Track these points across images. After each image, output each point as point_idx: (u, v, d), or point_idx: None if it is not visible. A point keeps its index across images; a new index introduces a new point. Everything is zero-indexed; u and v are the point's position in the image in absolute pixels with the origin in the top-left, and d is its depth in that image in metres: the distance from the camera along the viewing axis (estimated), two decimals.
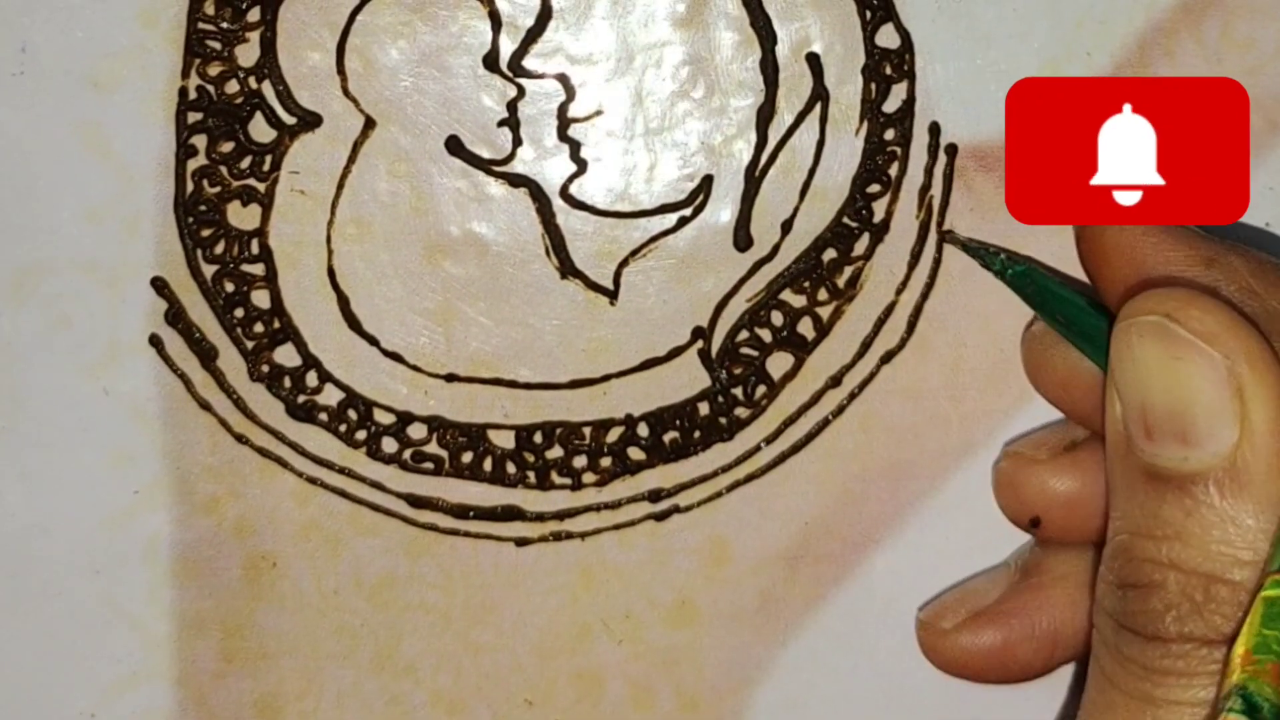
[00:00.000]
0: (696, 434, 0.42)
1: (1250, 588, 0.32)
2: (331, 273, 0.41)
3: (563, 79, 0.41)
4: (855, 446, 0.42)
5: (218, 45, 0.40)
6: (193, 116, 0.40)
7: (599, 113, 0.41)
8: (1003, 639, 0.40)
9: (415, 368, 0.41)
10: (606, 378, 0.42)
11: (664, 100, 0.41)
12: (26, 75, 0.40)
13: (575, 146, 0.41)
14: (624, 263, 0.41)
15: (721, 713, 0.42)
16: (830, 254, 0.42)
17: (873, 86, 0.41)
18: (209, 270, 0.41)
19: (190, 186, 0.41)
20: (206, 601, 0.41)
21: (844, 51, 0.41)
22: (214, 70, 0.40)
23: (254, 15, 0.40)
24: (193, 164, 0.41)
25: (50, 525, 0.41)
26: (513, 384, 0.41)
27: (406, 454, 0.42)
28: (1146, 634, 0.33)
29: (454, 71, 0.41)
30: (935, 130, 0.41)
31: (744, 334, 0.42)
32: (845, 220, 0.41)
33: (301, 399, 0.41)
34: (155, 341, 0.41)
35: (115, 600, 0.41)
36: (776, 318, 0.42)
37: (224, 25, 0.40)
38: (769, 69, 0.41)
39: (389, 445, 0.42)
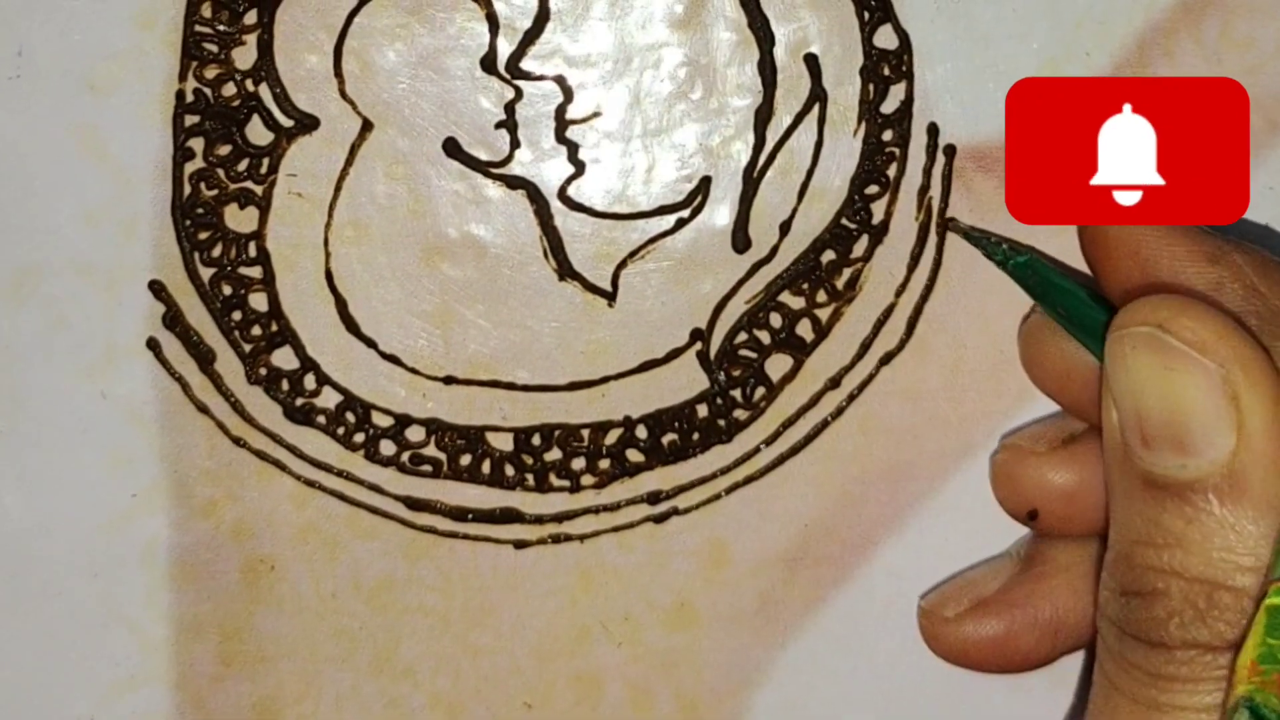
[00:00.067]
0: (695, 436, 0.42)
1: (1253, 594, 0.32)
2: (329, 275, 0.41)
3: (560, 81, 0.41)
4: (854, 448, 0.42)
5: (215, 48, 0.40)
6: (190, 119, 0.40)
7: (597, 114, 0.41)
8: (1005, 628, 0.40)
9: (413, 370, 0.41)
10: (605, 380, 0.42)
11: (662, 102, 0.41)
12: (23, 78, 0.40)
13: (573, 148, 0.41)
14: (622, 264, 0.41)
15: (721, 715, 0.42)
16: (829, 255, 0.41)
17: (871, 87, 0.41)
18: (206, 273, 0.41)
19: (188, 189, 0.41)
20: (205, 605, 0.41)
21: (842, 52, 0.41)
22: (211, 73, 0.40)
23: (251, 18, 0.40)
24: (190, 167, 0.40)
25: (48, 528, 0.41)
26: (511, 386, 0.41)
27: (405, 456, 0.42)
28: (1150, 641, 0.33)
29: (451, 73, 0.41)
30: (934, 131, 0.41)
31: (743, 336, 0.42)
32: (844, 222, 0.41)
33: (299, 402, 0.41)
34: (153, 344, 0.41)
35: (113, 603, 0.41)
36: (775, 319, 0.42)
37: (221, 28, 0.40)
38: (767, 70, 0.41)
39: (387, 448, 0.41)
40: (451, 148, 0.41)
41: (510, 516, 0.42)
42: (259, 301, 0.41)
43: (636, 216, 0.41)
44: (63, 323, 0.41)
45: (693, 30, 0.41)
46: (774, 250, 0.41)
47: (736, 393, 0.42)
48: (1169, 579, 0.33)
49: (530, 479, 0.42)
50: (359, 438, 0.41)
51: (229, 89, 0.40)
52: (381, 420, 0.41)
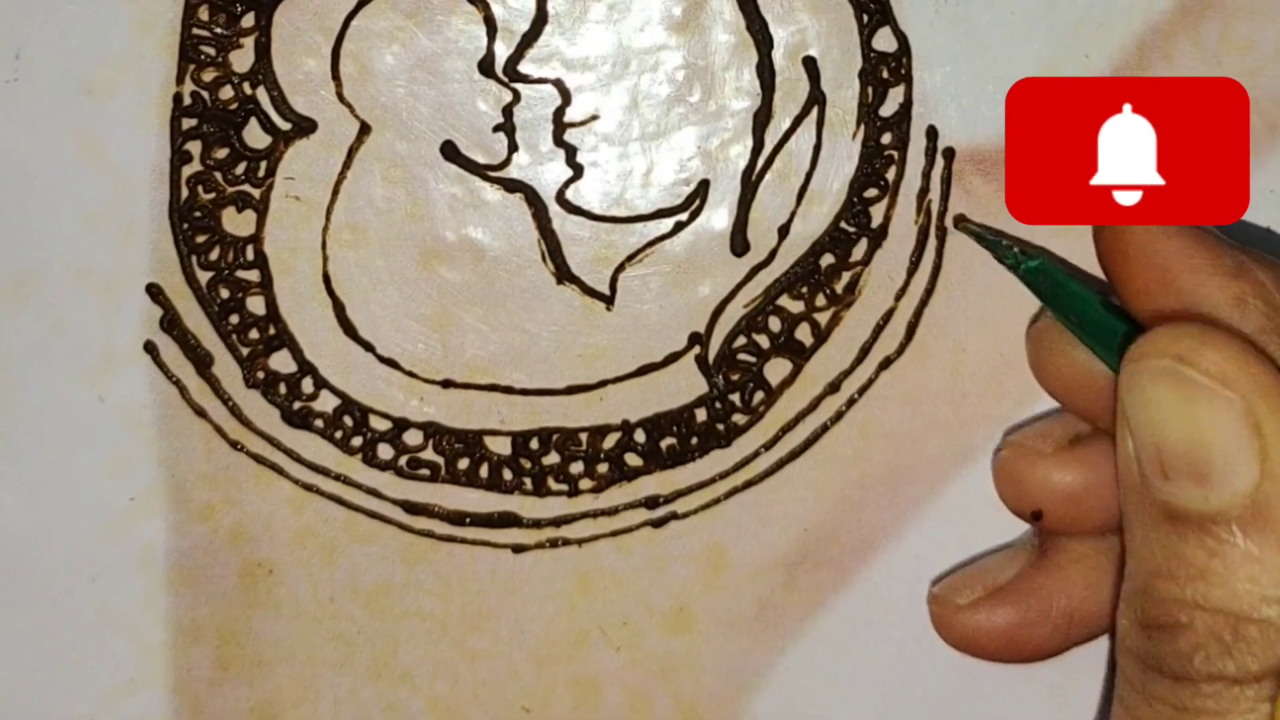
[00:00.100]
0: (694, 440, 0.42)
1: None
2: (327, 279, 0.41)
3: (558, 84, 0.41)
4: (854, 453, 0.42)
5: (212, 51, 0.40)
6: (187, 123, 0.40)
7: (595, 117, 0.41)
8: (1018, 618, 0.39)
9: (411, 374, 0.41)
10: (603, 383, 0.41)
11: (660, 105, 0.41)
12: (21, 82, 0.40)
13: (571, 151, 0.41)
14: (620, 268, 0.41)
15: None
16: (828, 259, 0.41)
17: (870, 90, 0.41)
18: (204, 276, 0.41)
19: (185, 193, 0.41)
20: (202, 609, 0.41)
21: (841, 55, 0.41)
22: (209, 76, 0.40)
23: (248, 21, 0.40)
24: (187, 170, 0.40)
25: (46, 532, 0.41)
26: (509, 390, 0.41)
27: (402, 460, 0.41)
28: (1175, 675, 0.32)
29: (449, 77, 0.41)
30: (933, 134, 0.41)
31: (741, 340, 0.41)
32: (843, 225, 0.41)
33: (297, 405, 0.41)
34: (150, 348, 0.41)
35: (111, 608, 0.41)
36: (774, 323, 0.41)
37: (218, 31, 0.40)
38: (765, 73, 0.41)
39: (385, 452, 0.41)
40: (449, 151, 0.41)
41: (508, 520, 0.42)
42: (256, 305, 0.41)
43: (635, 220, 0.41)
44: (60, 326, 0.41)
45: (691, 33, 0.41)
46: (773, 254, 0.41)
47: (735, 397, 0.42)
48: (1192, 612, 0.32)
49: (528, 483, 0.41)
50: (357, 441, 0.41)
51: (226, 92, 0.40)
52: (379, 424, 0.41)
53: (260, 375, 0.41)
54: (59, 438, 0.41)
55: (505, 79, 0.41)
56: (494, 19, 0.41)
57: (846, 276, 0.41)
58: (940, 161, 0.41)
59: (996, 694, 0.42)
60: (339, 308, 0.41)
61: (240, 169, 0.41)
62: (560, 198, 0.41)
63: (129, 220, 0.40)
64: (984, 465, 0.41)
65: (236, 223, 0.41)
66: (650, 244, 0.41)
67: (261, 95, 0.40)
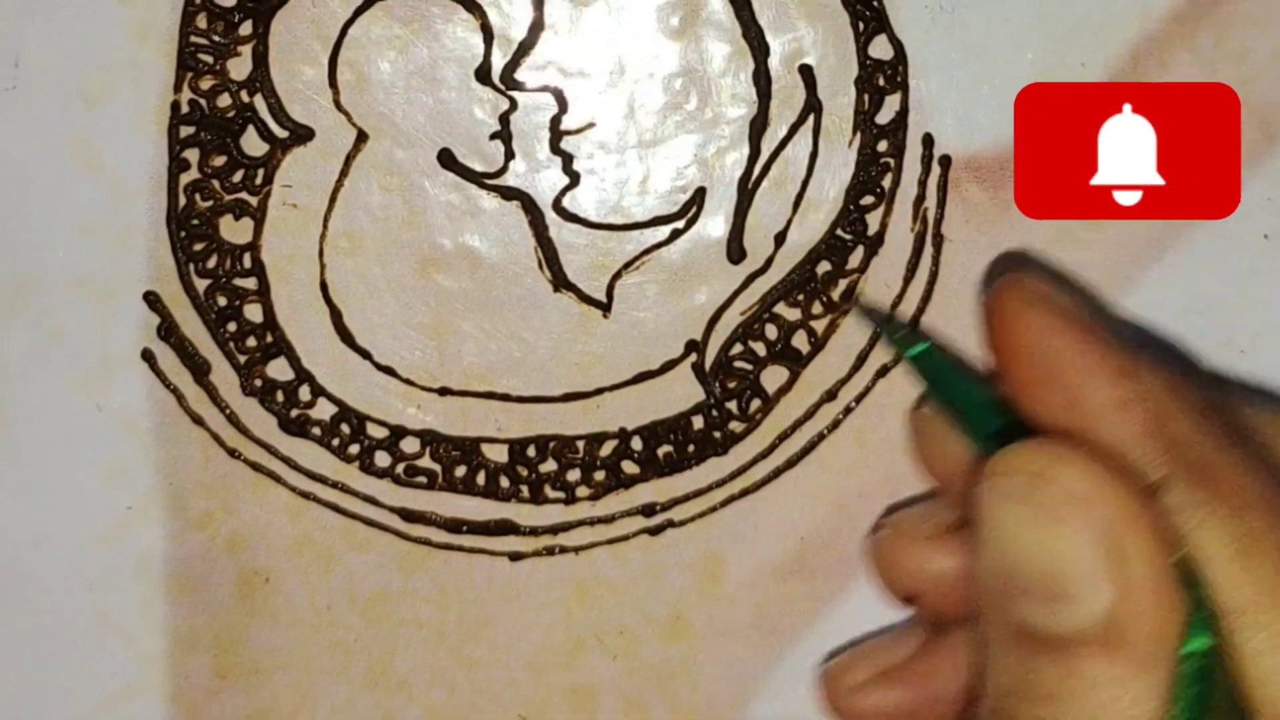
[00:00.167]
0: (691, 448, 0.42)
1: None
2: (324, 286, 0.41)
3: (555, 91, 0.41)
4: (851, 461, 0.42)
5: (210, 59, 0.40)
6: (185, 130, 0.40)
7: (591, 125, 0.41)
8: (910, 700, 0.38)
9: (408, 381, 0.41)
10: (600, 391, 0.41)
11: (657, 112, 0.41)
12: (18, 89, 0.40)
13: (568, 159, 0.41)
14: (617, 275, 0.41)
15: None
16: (824, 267, 0.41)
17: (866, 98, 0.41)
18: (201, 284, 0.41)
19: (182, 200, 0.41)
20: (200, 617, 0.41)
21: (837, 63, 0.41)
22: (206, 84, 0.40)
23: (246, 29, 0.40)
24: (185, 178, 0.40)
25: (43, 541, 0.41)
26: (506, 397, 0.41)
27: (400, 468, 0.41)
28: None
29: (446, 84, 0.41)
30: (929, 141, 0.41)
31: (738, 347, 0.41)
32: (839, 233, 0.41)
33: (294, 413, 0.41)
34: (148, 356, 0.41)
35: (108, 616, 0.41)
36: (771, 331, 0.41)
37: (216, 39, 0.40)
38: (762, 81, 0.41)
39: (382, 459, 0.41)
40: (446, 159, 0.41)
41: (505, 528, 0.41)
42: (254, 313, 0.41)
43: (631, 227, 0.41)
44: (57, 334, 0.41)
45: (687, 41, 0.41)
46: (769, 261, 0.41)
47: (732, 405, 0.42)
48: None
49: (525, 491, 0.41)
50: (354, 449, 0.41)
51: (224, 100, 0.40)
52: (376, 432, 0.41)
53: (257, 383, 0.41)
54: (56, 445, 0.41)
55: (502, 87, 0.41)
56: (491, 27, 0.41)
57: (843, 284, 0.41)
58: (936, 169, 0.41)
59: None
60: (336, 315, 0.41)
61: (238, 177, 0.41)
62: (557, 205, 0.41)
63: (126, 228, 0.40)
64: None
65: (234, 230, 0.41)
66: (647, 251, 0.41)
67: (259, 103, 0.41)
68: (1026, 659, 0.31)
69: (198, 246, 0.41)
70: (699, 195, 0.41)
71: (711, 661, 0.42)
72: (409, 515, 0.41)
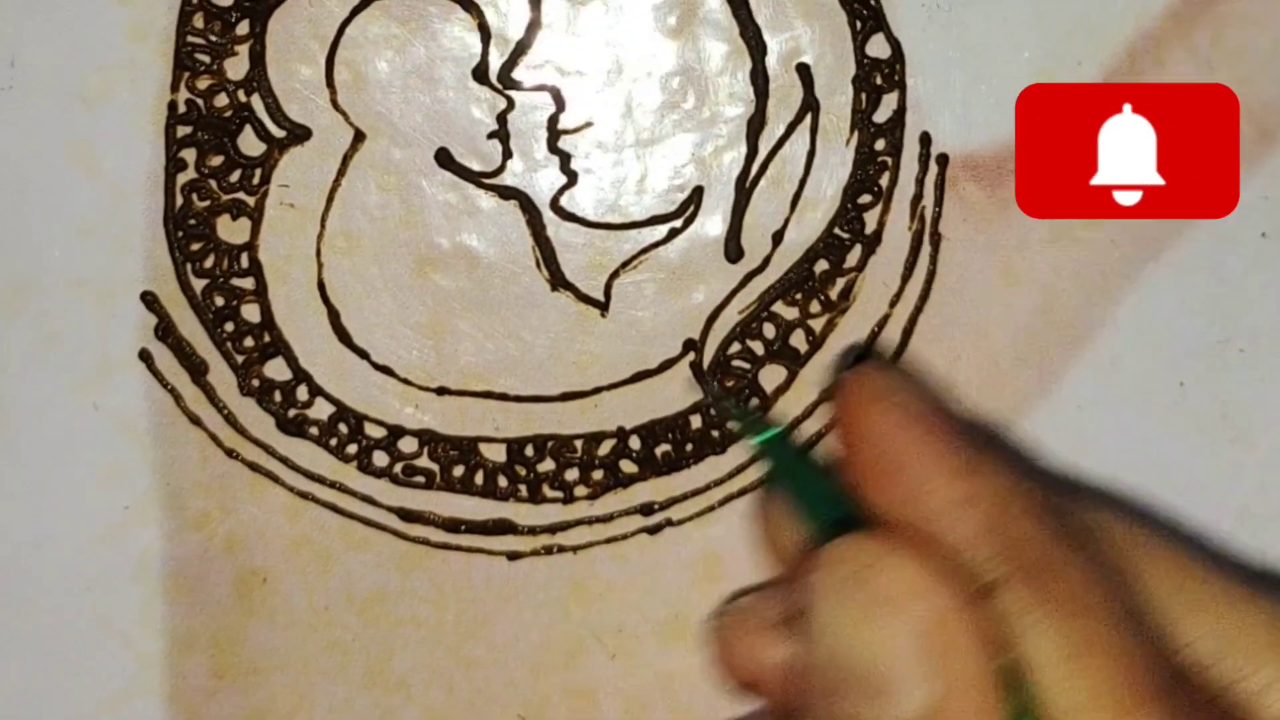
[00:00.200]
0: (689, 447, 0.42)
1: None
2: (321, 286, 0.41)
3: (552, 91, 0.41)
4: None
5: (207, 59, 0.40)
6: (182, 130, 0.40)
7: (589, 124, 0.41)
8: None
9: (406, 381, 0.41)
10: (598, 390, 0.41)
11: (654, 111, 0.41)
12: (15, 89, 0.40)
13: (565, 158, 0.41)
14: (615, 274, 0.41)
15: None
16: (822, 265, 0.41)
17: (863, 96, 0.41)
18: (199, 284, 0.41)
19: (180, 201, 0.41)
20: (197, 617, 0.41)
21: (834, 62, 0.41)
22: (203, 84, 0.40)
23: (243, 28, 0.40)
24: (182, 178, 0.40)
25: (41, 541, 0.41)
26: (504, 397, 0.41)
27: (398, 468, 0.41)
28: None
29: (443, 84, 0.41)
30: (926, 140, 0.41)
31: (736, 346, 0.41)
32: (837, 231, 0.41)
33: (292, 413, 0.41)
34: (145, 356, 0.41)
35: (106, 616, 0.41)
36: (769, 330, 0.41)
37: (213, 38, 0.40)
38: (759, 79, 0.41)
39: (380, 459, 0.41)
40: (444, 158, 0.41)
41: (503, 528, 0.41)
42: (251, 313, 0.41)
43: (629, 226, 0.41)
44: (55, 334, 0.40)
45: (685, 40, 0.41)
46: (767, 260, 0.41)
47: (730, 404, 0.42)
48: None
49: (523, 490, 0.41)
50: (352, 449, 0.41)
51: (221, 100, 0.40)
52: (374, 431, 0.41)
53: (255, 383, 0.41)
54: (54, 446, 0.41)
55: (499, 86, 0.41)
56: (488, 26, 0.41)
57: (841, 283, 0.41)
58: (934, 167, 0.41)
59: None
60: (334, 315, 0.41)
61: (235, 176, 0.41)
62: (555, 204, 0.41)
63: (124, 228, 0.40)
64: None
65: (231, 230, 0.41)
66: (644, 250, 0.41)
67: (256, 103, 0.41)
68: None
69: (195, 246, 0.41)
70: (697, 194, 0.41)
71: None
72: (407, 515, 0.41)
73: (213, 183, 0.41)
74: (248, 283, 0.41)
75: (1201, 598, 0.33)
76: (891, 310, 0.41)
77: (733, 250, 0.41)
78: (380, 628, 0.41)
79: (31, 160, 0.40)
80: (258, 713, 0.42)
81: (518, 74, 0.41)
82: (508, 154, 0.41)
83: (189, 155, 0.40)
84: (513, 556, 0.41)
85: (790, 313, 0.41)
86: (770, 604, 0.37)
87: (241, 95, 0.40)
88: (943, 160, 0.41)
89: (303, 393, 0.41)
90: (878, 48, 0.41)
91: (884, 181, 0.41)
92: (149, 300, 0.41)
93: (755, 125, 0.41)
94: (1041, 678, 0.31)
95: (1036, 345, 0.42)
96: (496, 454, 0.41)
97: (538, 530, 0.42)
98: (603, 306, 0.41)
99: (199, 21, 0.40)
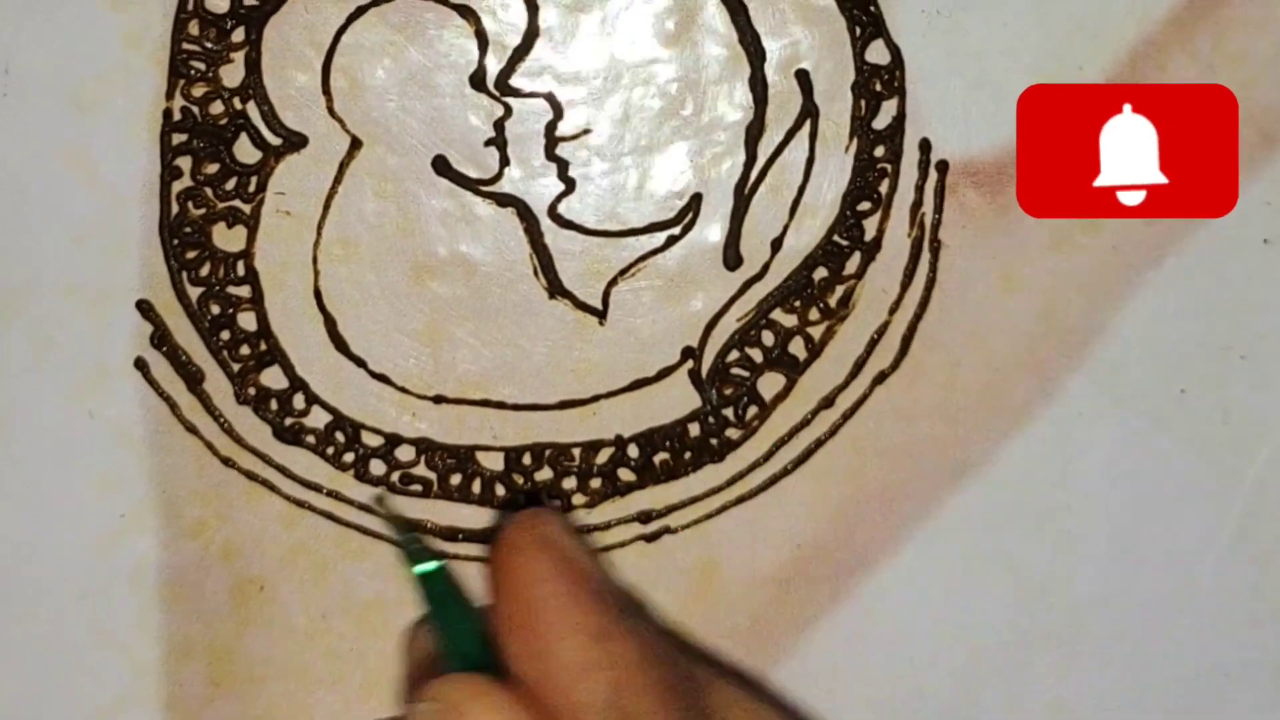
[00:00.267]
0: (687, 455, 0.41)
1: None
2: (318, 294, 0.41)
3: (550, 98, 0.41)
4: (848, 468, 0.41)
5: (202, 66, 0.40)
6: (177, 138, 0.40)
7: (587, 131, 0.41)
8: None
9: (403, 389, 0.41)
10: (596, 398, 0.41)
11: (652, 118, 0.41)
12: (10, 97, 0.40)
13: (563, 165, 0.41)
14: (613, 282, 0.41)
15: None
16: (821, 273, 0.41)
17: (863, 103, 0.41)
18: (195, 292, 0.41)
19: (175, 208, 0.40)
20: (194, 625, 0.41)
21: (833, 68, 0.41)
22: (199, 91, 0.40)
23: (238, 35, 0.40)
24: (178, 186, 0.40)
25: (37, 549, 0.41)
26: (501, 405, 0.41)
27: (395, 476, 0.41)
28: None
29: (440, 91, 0.40)
30: (926, 146, 0.41)
31: (735, 354, 0.41)
32: (836, 238, 0.41)
33: (289, 421, 0.41)
34: (141, 364, 0.41)
35: (103, 625, 0.41)
36: (767, 337, 0.41)
37: (208, 46, 0.40)
38: (758, 86, 0.41)
39: (377, 467, 0.41)
40: (441, 165, 0.41)
41: None
42: (247, 321, 0.41)
43: (627, 234, 0.41)
44: (51, 343, 0.40)
45: (683, 46, 0.41)
46: (765, 267, 0.41)
47: (729, 411, 0.41)
48: None
49: (521, 499, 0.41)
50: (348, 457, 0.41)
51: (217, 107, 0.40)
52: (371, 440, 0.41)
53: (251, 391, 0.41)
54: (50, 454, 0.41)
55: (497, 93, 0.40)
56: (485, 33, 0.40)
57: (840, 290, 0.41)
58: (934, 174, 0.41)
59: (988, 713, 0.41)
60: (330, 323, 0.41)
61: (231, 184, 0.40)
62: (552, 212, 0.41)
63: (119, 236, 0.40)
64: (979, 483, 0.41)
65: (227, 238, 0.41)
66: (643, 258, 0.41)
67: (252, 110, 0.40)
68: None
69: (191, 254, 0.40)
70: (695, 201, 0.41)
71: None
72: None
73: (208, 190, 0.40)
74: (244, 290, 0.41)
75: None
76: (891, 317, 0.41)
77: (731, 257, 0.41)
78: (378, 636, 0.41)
79: (27, 168, 0.40)
80: None
81: (515, 81, 0.40)
82: (505, 161, 0.41)
83: (184, 163, 0.40)
84: None
85: (789, 320, 0.41)
86: None
87: (237, 102, 0.40)
88: (942, 166, 0.41)
89: (299, 401, 0.41)
90: (877, 54, 0.41)
91: (883, 188, 0.41)
92: (144, 308, 0.41)
93: (754, 132, 0.41)
94: None
95: (1037, 352, 0.41)
96: (494, 462, 0.41)
97: None
98: (601, 314, 0.41)
99: (194, 29, 0.40)
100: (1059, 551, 0.42)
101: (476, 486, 0.41)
